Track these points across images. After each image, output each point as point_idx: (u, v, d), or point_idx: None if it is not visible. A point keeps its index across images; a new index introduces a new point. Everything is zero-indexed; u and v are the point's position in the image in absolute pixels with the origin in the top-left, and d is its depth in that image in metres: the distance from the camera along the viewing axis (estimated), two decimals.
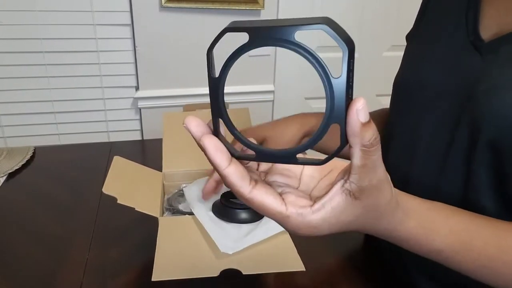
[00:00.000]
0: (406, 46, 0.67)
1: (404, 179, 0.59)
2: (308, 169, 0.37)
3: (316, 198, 0.33)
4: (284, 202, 0.32)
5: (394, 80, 0.65)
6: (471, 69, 0.52)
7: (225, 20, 1.40)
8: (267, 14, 1.45)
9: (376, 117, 0.72)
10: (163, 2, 1.33)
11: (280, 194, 0.33)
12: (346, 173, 0.31)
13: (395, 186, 0.35)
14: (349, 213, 0.32)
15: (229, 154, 0.30)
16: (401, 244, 0.40)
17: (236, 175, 0.30)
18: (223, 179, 0.31)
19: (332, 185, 0.32)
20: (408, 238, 0.39)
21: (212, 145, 0.30)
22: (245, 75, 1.53)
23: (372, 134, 0.28)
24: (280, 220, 0.32)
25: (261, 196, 0.31)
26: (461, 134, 0.52)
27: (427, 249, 0.41)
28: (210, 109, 0.31)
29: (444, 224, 0.41)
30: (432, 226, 0.40)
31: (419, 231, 0.39)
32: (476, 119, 0.50)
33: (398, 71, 0.65)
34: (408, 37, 0.69)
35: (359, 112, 0.27)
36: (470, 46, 0.53)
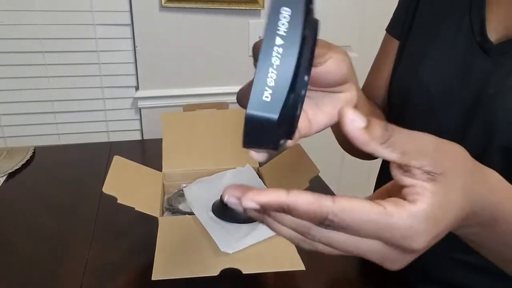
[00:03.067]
0: (395, 42, 0.64)
1: None
2: None
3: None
4: (374, 202, 0.25)
5: (393, 83, 0.64)
6: (479, 72, 0.50)
7: (225, 20, 1.40)
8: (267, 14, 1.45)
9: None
10: (163, 2, 1.33)
11: None
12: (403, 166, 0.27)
13: None
14: (453, 186, 0.27)
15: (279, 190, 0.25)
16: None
17: (305, 195, 0.24)
18: (293, 212, 0.25)
19: (399, 181, 0.27)
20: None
21: (245, 191, 0.25)
22: (246, 74, 1.52)
23: (379, 129, 0.25)
24: (382, 227, 0.25)
25: (349, 204, 0.24)
26: (470, 140, 0.50)
27: None
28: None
29: None
30: None
31: None
32: (488, 123, 0.48)
33: (395, 73, 0.63)
34: (391, 31, 0.66)
35: (355, 121, 0.25)
36: (476, 47, 0.51)
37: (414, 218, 0.25)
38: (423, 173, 0.26)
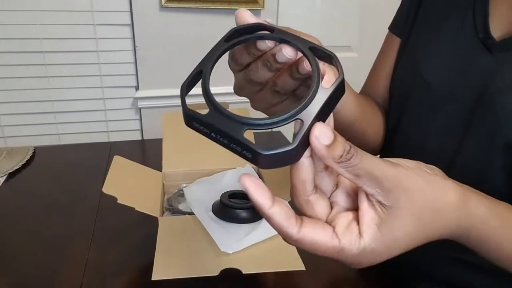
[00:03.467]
0: (397, 40, 0.64)
1: None
2: None
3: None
4: (335, 233, 0.29)
5: (394, 80, 0.64)
6: (481, 69, 0.50)
7: (225, 20, 1.40)
8: (267, 14, 1.45)
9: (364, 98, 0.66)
10: (163, 2, 1.33)
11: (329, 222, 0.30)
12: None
13: None
14: (399, 224, 0.29)
15: (270, 192, 0.29)
16: (481, 246, 0.36)
17: (281, 215, 0.28)
18: (267, 220, 0.29)
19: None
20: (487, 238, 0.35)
21: (252, 183, 0.28)
22: None
23: (341, 149, 0.28)
24: (334, 255, 0.29)
25: (311, 234, 0.29)
26: (472, 138, 0.50)
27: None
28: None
29: None
30: None
31: (505, 231, 0.35)
32: (491, 121, 0.48)
33: (397, 70, 0.63)
34: (394, 29, 0.65)
35: (319, 138, 0.27)
36: (479, 44, 0.51)
37: (359, 253, 0.29)
38: (377, 202, 0.29)
